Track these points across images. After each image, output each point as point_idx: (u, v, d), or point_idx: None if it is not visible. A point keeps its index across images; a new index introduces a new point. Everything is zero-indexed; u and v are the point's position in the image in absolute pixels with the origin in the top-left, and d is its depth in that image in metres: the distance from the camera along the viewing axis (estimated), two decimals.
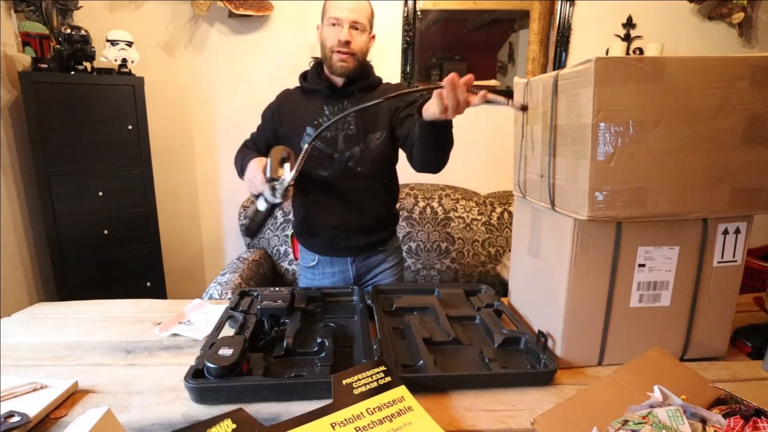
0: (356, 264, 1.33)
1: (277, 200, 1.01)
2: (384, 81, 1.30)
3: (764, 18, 2.41)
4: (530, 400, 0.78)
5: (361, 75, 1.23)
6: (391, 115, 1.22)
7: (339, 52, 1.15)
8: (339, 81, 1.22)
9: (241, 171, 1.20)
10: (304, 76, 1.28)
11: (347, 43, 1.14)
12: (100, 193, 1.94)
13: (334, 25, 1.15)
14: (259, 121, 1.32)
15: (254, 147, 1.31)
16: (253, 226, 1.21)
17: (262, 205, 1.05)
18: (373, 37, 1.23)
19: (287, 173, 0.99)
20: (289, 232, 1.56)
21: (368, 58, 1.26)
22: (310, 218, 1.29)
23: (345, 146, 1.21)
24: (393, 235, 1.39)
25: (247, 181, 1.11)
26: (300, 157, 0.98)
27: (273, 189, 1.00)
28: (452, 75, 0.81)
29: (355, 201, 1.25)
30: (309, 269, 1.37)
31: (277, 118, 1.26)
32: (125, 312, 1.13)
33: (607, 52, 2.35)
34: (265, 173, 1.00)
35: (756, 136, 0.79)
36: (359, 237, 1.29)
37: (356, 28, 1.15)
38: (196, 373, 0.76)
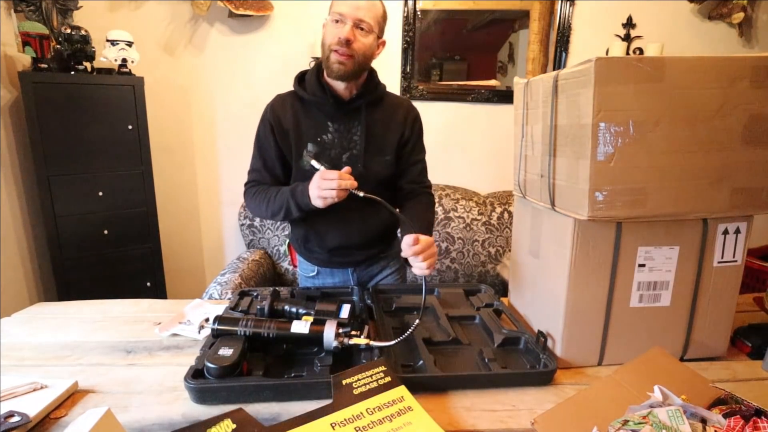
0: (357, 273, 1.30)
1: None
2: (383, 83, 1.20)
3: (764, 18, 2.41)
4: (530, 400, 0.78)
5: (368, 86, 1.14)
6: (398, 142, 1.17)
7: (337, 51, 1.04)
8: (344, 92, 1.12)
9: (280, 208, 1.10)
10: (300, 80, 1.17)
11: (348, 41, 1.02)
12: (100, 193, 1.94)
13: (337, 21, 1.04)
14: (257, 120, 1.18)
15: (268, 178, 1.18)
16: None
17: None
18: (383, 42, 1.13)
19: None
20: (288, 231, 1.51)
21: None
22: (309, 239, 1.23)
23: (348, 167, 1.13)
24: (394, 241, 1.36)
25: (320, 190, 0.99)
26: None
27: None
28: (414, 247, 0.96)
29: (356, 220, 1.19)
30: (309, 279, 1.33)
31: (279, 137, 1.14)
32: (125, 312, 1.13)
33: (607, 52, 2.35)
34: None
35: (756, 136, 0.79)
36: (360, 252, 1.25)
37: (361, 28, 1.05)
38: (196, 373, 0.76)
